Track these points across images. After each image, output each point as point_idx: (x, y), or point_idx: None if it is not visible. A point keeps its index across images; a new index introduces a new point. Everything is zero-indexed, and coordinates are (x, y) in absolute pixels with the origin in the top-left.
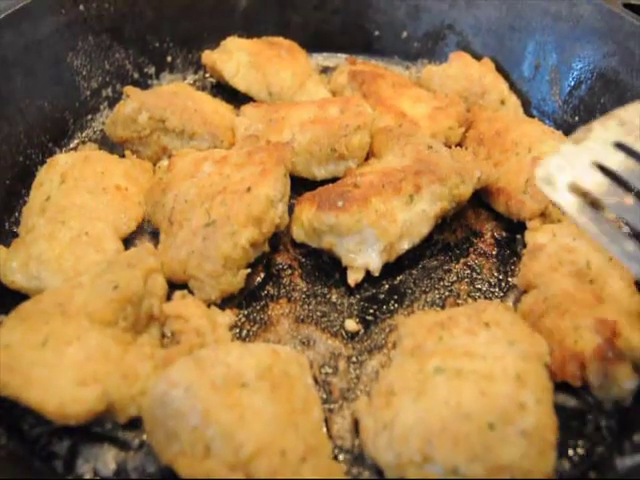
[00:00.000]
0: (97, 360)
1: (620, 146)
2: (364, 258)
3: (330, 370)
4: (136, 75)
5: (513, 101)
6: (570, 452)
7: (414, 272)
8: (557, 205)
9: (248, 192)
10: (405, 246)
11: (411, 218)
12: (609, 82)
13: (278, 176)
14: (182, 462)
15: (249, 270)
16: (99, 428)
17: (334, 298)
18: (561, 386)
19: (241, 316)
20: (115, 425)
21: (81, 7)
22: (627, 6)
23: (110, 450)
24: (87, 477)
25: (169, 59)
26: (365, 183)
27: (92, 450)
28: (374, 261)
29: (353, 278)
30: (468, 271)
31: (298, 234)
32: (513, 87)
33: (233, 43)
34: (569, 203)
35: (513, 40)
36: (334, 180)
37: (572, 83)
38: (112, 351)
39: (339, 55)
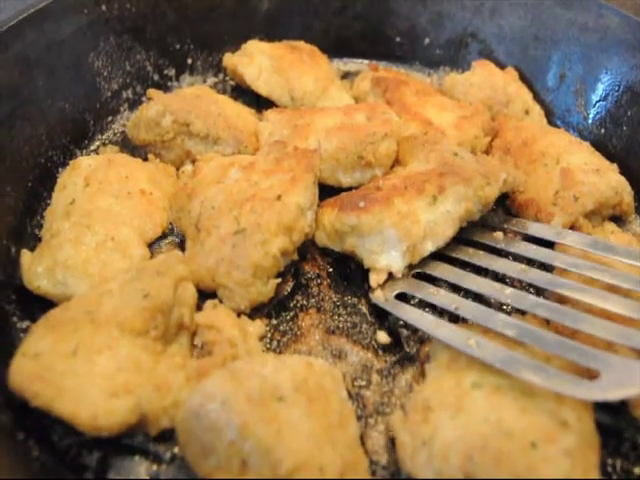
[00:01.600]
0: (129, 370)
1: None
2: (386, 259)
3: (363, 383)
4: (156, 77)
5: (537, 111)
6: (609, 470)
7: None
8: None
9: (278, 200)
10: (429, 247)
11: (435, 219)
12: (637, 95)
13: (308, 184)
14: (219, 476)
15: (279, 280)
16: (130, 440)
17: (364, 309)
18: (597, 404)
19: (270, 327)
20: (146, 437)
21: (103, 7)
22: None
23: (142, 463)
24: None
25: (189, 61)
26: (388, 186)
27: (124, 463)
28: (396, 262)
29: (375, 279)
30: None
31: (320, 238)
32: (537, 97)
33: (254, 46)
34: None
35: (537, 50)
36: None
37: (598, 95)
38: (143, 361)
39: (360, 61)
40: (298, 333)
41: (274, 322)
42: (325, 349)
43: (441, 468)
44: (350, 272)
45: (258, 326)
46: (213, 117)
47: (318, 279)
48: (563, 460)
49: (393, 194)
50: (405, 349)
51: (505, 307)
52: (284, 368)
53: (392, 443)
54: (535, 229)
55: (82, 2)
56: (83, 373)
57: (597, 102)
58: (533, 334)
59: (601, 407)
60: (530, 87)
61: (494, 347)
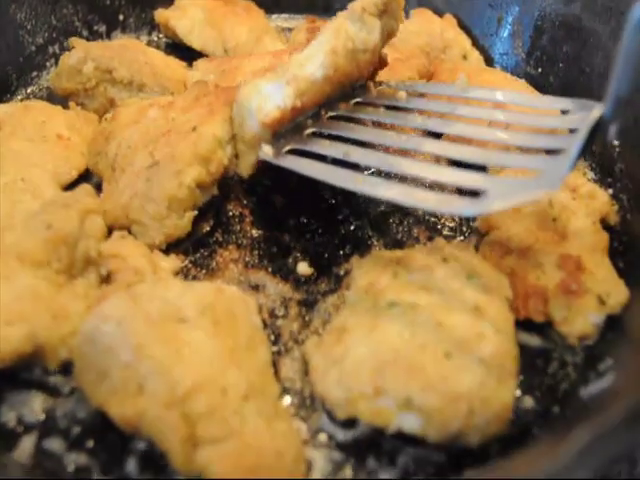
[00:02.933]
0: (26, 300)
1: None
2: (274, 102)
3: (281, 314)
4: (85, 33)
5: (475, 56)
6: (534, 390)
7: (371, 218)
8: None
9: (194, 131)
10: (310, 69)
11: (307, 53)
12: (571, 30)
13: (226, 117)
14: (113, 401)
15: (195, 212)
16: (28, 374)
17: (286, 243)
18: (525, 325)
19: (187, 262)
20: (46, 371)
21: None
22: None
23: (38, 396)
24: (11, 425)
25: (121, 17)
26: None
27: (18, 397)
28: (281, 95)
29: (266, 115)
30: (428, 216)
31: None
32: (476, 43)
33: (187, 0)
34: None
35: None
36: None
37: (535, 34)
38: (43, 291)
39: (300, 16)
40: (215, 268)
41: (191, 258)
42: (243, 283)
43: (351, 385)
44: (275, 210)
45: (172, 261)
46: (138, 64)
47: (241, 217)
48: (477, 368)
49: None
50: (327, 280)
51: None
52: (190, 292)
53: (307, 369)
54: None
55: None
56: None
57: (534, 41)
58: (422, 167)
59: (528, 328)
60: (469, 34)
61: (385, 182)
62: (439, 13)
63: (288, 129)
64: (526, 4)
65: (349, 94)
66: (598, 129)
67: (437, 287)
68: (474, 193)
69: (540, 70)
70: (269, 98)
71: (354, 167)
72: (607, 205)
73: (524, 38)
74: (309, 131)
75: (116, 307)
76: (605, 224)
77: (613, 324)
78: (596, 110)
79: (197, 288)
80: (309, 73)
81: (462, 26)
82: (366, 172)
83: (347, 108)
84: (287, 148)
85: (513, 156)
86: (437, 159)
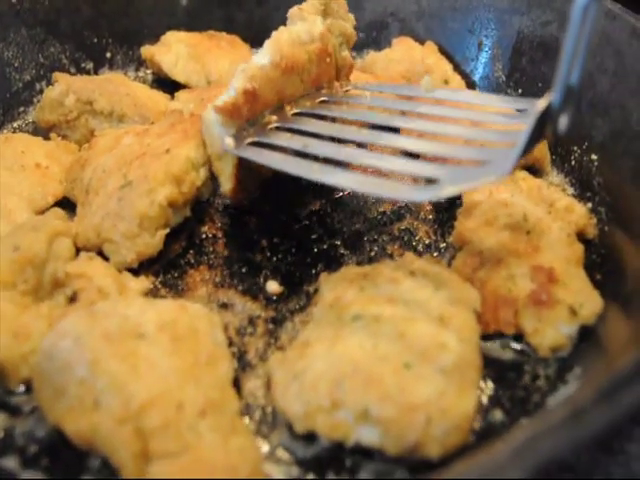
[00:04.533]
0: None
1: None
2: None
3: (247, 332)
4: (73, 70)
5: (457, 80)
6: (504, 403)
7: (345, 236)
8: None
9: (167, 153)
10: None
11: None
12: (549, 50)
13: (200, 142)
14: (69, 419)
15: (167, 230)
16: None
17: (258, 263)
18: (496, 338)
19: (157, 283)
20: (7, 391)
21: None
22: None
23: None
24: None
25: (108, 55)
26: None
27: None
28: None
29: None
30: (403, 234)
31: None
32: (457, 68)
33: (172, 36)
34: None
35: (455, 21)
36: None
37: (514, 56)
38: (7, 312)
39: None
40: (185, 288)
41: (161, 279)
42: (212, 302)
43: (309, 398)
44: (249, 231)
45: (141, 282)
46: (119, 95)
47: (214, 239)
48: (437, 378)
49: None
50: (296, 299)
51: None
52: (151, 309)
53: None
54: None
55: None
56: None
57: (513, 63)
58: (378, 158)
59: (500, 341)
60: (450, 59)
61: (342, 171)
62: (420, 41)
63: (252, 123)
64: (505, 27)
65: (315, 94)
66: (549, 120)
67: (403, 299)
68: (429, 182)
69: (520, 91)
70: (223, 96)
71: (315, 160)
72: (584, 218)
73: (504, 61)
74: (272, 125)
75: (74, 324)
76: (583, 238)
77: (587, 335)
78: (542, 101)
79: (159, 305)
80: (256, 61)
81: (443, 52)
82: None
83: (312, 105)
84: (249, 140)
85: (464, 149)
86: (393, 151)
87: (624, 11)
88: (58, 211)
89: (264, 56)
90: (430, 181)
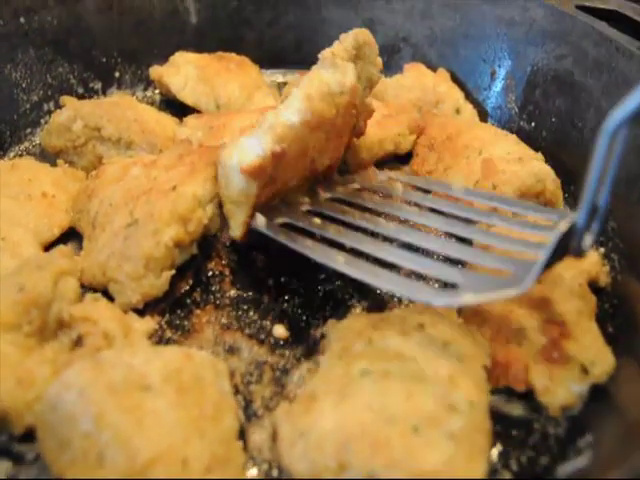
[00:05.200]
0: None
1: None
2: (253, 154)
3: (253, 379)
4: (81, 90)
5: (469, 109)
6: (512, 463)
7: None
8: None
9: (173, 190)
10: (287, 116)
11: (286, 102)
12: (563, 84)
13: (207, 176)
14: (72, 472)
15: (173, 271)
16: None
17: (264, 304)
18: (506, 393)
19: (163, 323)
20: (11, 437)
21: (22, 19)
22: (580, 8)
23: (2, 463)
24: None
25: (117, 75)
26: None
27: None
28: (260, 145)
29: (246, 164)
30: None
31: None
32: (469, 97)
33: (181, 57)
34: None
35: (468, 49)
36: None
37: (527, 88)
38: (11, 356)
39: (294, 71)
40: (191, 329)
41: (167, 319)
42: (218, 345)
43: (315, 458)
44: (256, 269)
45: (146, 323)
46: (127, 121)
47: (220, 277)
48: (446, 444)
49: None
50: (302, 344)
51: None
52: (156, 358)
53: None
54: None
55: None
56: None
57: (526, 95)
58: (402, 255)
59: (510, 396)
60: (462, 87)
61: (360, 263)
62: (432, 67)
63: (284, 204)
64: (519, 58)
65: (348, 178)
66: (573, 237)
67: (411, 355)
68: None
69: (533, 124)
70: (249, 150)
71: (342, 248)
72: (597, 266)
73: (517, 92)
74: (304, 208)
75: (79, 374)
76: (596, 285)
77: (598, 393)
78: (564, 222)
79: (164, 354)
80: (286, 119)
81: (456, 80)
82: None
83: (345, 191)
84: (280, 221)
85: (487, 255)
86: (418, 249)
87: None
88: (64, 249)
89: (294, 113)
90: (450, 284)
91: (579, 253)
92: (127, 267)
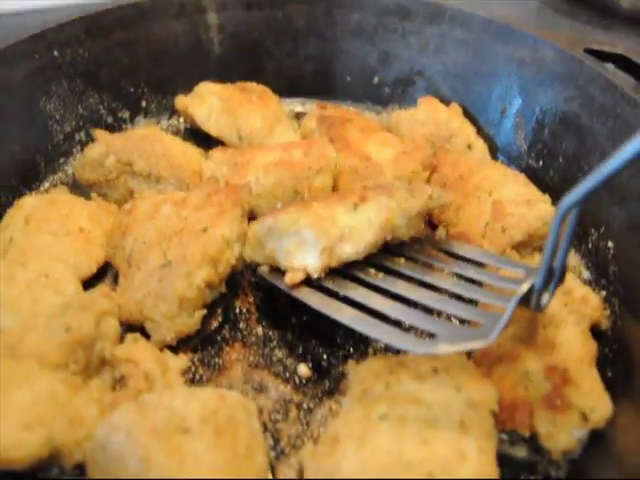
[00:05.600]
0: (44, 404)
1: None
2: (303, 259)
3: (280, 417)
4: (110, 119)
5: (480, 145)
6: None
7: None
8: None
9: (204, 232)
10: (347, 250)
11: (354, 223)
12: (571, 126)
13: (235, 216)
14: None
15: (205, 311)
16: (45, 474)
17: (289, 342)
18: (511, 436)
19: (195, 360)
20: (61, 471)
21: (55, 53)
22: (588, 51)
23: None
24: None
25: (143, 104)
26: (311, 197)
27: None
28: (313, 262)
29: (291, 277)
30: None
31: (247, 252)
32: (480, 132)
33: (205, 88)
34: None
35: (480, 85)
36: None
37: (536, 128)
38: (60, 395)
39: (313, 101)
40: (221, 367)
41: (199, 356)
42: (246, 383)
43: None
44: (280, 307)
45: (181, 360)
46: (156, 156)
47: (247, 314)
48: None
49: (313, 200)
50: (324, 383)
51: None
52: (194, 400)
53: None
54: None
55: (34, 48)
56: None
57: (535, 135)
58: (388, 305)
59: (515, 439)
60: (474, 122)
61: (352, 310)
62: (445, 100)
63: None
64: (528, 98)
65: None
66: (532, 296)
67: (426, 400)
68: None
69: (541, 163)
70: (300, 253)
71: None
72: (598, 310)
73: (526, 130)
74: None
75: (125, 417)
76: (597, 329)
77: (597, 438)
78: (525, 285)
79: (200, 396)
80: (345, 253)
81: (467, 114)
82: None
83: None
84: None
85: (460, 306)
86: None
87: None
88: (104, 289)
89: (355, 251)
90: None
91: (538, 309)
92: (162, 307)
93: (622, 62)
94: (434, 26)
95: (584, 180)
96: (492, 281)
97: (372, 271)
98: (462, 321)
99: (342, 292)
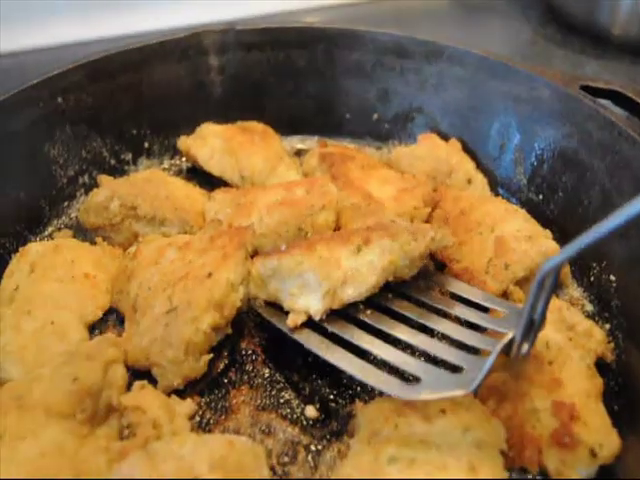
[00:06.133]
0: (51, 455)
1: None
2: (305, 301)
3: (288, 459)
4: (113, 162)
5: (480, 180)
6: None
7: None
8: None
9: (209, 277)
10: (350, 292)
11: (357, 266)
12: (569, 161)
13: (238, 260)
14: None
15: (211, 355)
16: None
17: (296, 384)
18: (521, 474)
19: (202, 403)
20: None
21: (59, 99)
22: (584, 88)
23: None
24: None
25: (146, 145)
26: (315, 237)
27: None
28: (315, 304)
29: (293, 319)
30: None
31: (251, 288)
32: (480, 166)
33: (207, 129)
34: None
35: (478, 121)
36: None
37: (535, 162)
38: (67, 445)
39: (314, 138)
40: (229, 410)
41: (206, 399)
42: (254, 425)
43: None
44: (286, 348)
45: (188, 405)
46: (160, 199)
47: (253, 355)
48: None
49: (317, 242)
50: (332, 424)
51: None
52: (203, 447)
53: None
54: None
55: (37, 96)
56: (5, 459)
57: (534, 169)
58: (376, 345)
59: (523, 475)
60: (473, 157)
61: (345, 354)
62: (445, 136)
63: None
64: (527, 133)
65: None
66: (513, 345)
67: (435, 442)
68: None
69: (541, 197)
70: (303, 295)
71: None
72: (603, 344)
73: (525, 165)
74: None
75: (134, 467)
76: (602, 361)
77: (605, 474)
78: (506, 337)
79: (209, 442)
80: (348, 296)
81: (467, 149)
82: None
83: None
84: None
85: (446, 348)
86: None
87: None
88: (110, 337)
89: (357, 294)
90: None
91: (518, 358)
92: (169, 353)
93: (618, 98)
94: (432, 64)
95: (565, 247)
96: (480, 322)
97: (362, 307)
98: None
99: (334, 330)
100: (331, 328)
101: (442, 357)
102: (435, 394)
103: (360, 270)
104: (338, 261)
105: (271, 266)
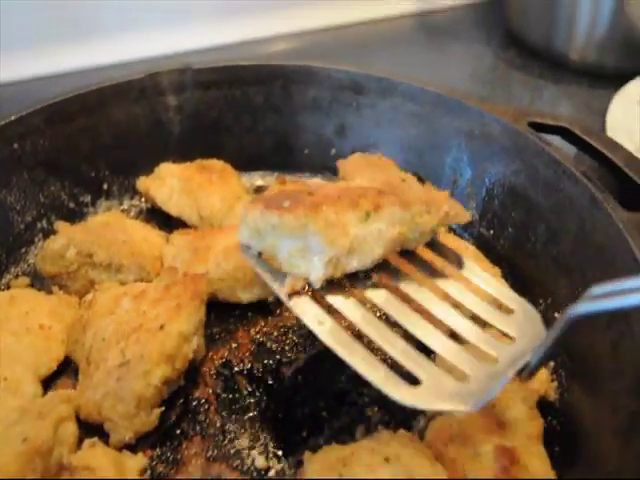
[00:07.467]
0: None
1: None
2: (306, 266)
3: None
4: (72, 205)
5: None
6: None
7: (329, 396)
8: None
9: (161, 330)
10: (354, 263)
11: (364, 235)
12: (518, 197)
13: (192, 310)
14: None
15: (163, 408)
16: None
17: (247, 434)
18: None
19: (154, 456)
20: None
21: (15, 145)
22: (532, 124)
23: None
24: None
25: (105, 187)
26: (320, 193)
27: None
28: (316, 271)
29: (290, 284)
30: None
31: (243, 234)
32: None
33: (166, 169)
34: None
35: (432, 156)
36: (261, 303)
37: (486, 198)
38: None
39: (274, 174)
40: (180, 462)
41: (158, 452)
42: (205, 477)
43: None
44: (239, 397)
45: (139, 460)
46: (117, 245)
47: (206, 404)
48: None
49: (323, 201)
50: (282, 473)
51: None
52: None
53: None
54: None
55: None
56: None
57: (485, 204)
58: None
59: None
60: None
61: (344, 336)
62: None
63: None
64: (478, 169)
65: None
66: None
67: None
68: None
69: (492, 232)
70: (304, 259)
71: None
72: (545, 384)
73: (477, 200)
74: None
75: None
76: (544, 400)
77: None
78: (522, 360)
79: None
80: (351, 266)
81: (422, 182)
82: None
83: None
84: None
85: (456, 348)
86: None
87: (586, 177)
88: (62, 394)
89: (361, 264)
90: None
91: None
92: (120, 407)
93: (566, 134)
94: (387, 100)
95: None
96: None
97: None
98: None
99: (338, 306)
100: (333, 302)
101: (450, 359)
102: (434, 404)
103: (367, 239)
104: (345, 227)
105: (271, 222)
